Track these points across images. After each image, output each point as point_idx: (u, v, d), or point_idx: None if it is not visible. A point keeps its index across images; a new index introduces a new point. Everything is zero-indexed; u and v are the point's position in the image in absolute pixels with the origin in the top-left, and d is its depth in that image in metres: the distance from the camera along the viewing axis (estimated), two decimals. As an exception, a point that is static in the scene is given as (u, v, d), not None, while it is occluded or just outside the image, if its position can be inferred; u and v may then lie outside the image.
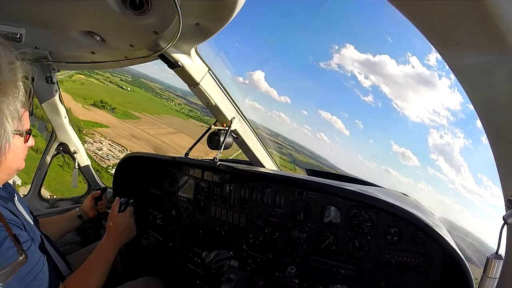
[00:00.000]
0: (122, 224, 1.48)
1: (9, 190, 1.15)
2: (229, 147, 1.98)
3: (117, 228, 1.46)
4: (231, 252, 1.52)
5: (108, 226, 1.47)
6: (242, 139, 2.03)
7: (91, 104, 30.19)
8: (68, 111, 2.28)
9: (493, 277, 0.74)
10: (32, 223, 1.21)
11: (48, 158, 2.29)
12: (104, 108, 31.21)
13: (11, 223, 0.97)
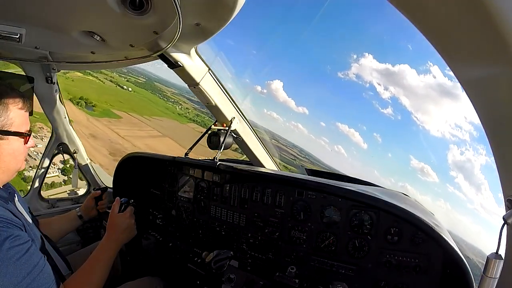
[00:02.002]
0: (122, 224, 1.48)
1: (10, 190, 1.15)
2: (229, 147, 1.98)
3: (118, 228, 1.46)
4: (231, 252, 1.52)
5: (109, 226, 1.47)
6: (242, 139, 2.03)
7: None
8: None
9: (493, 277, 0.75)
10: (32, 223, 1.21)
11: (48, 158, 2.28)
12: (78, 104, 30.17)
13: (11, 223, 0.97)
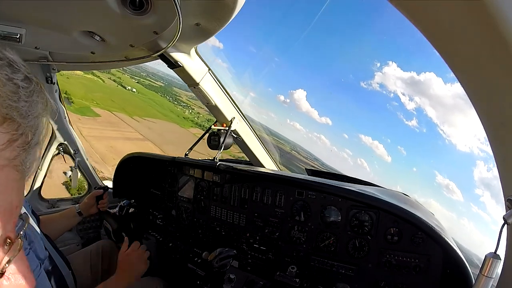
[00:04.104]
0: (133, 261, 1.47)
1: None
2: (229, 147, 1.98)
3: (130, 267, 1.44)
4: (235, 251, 1.52)
5: (120, 264, 1.44)
6: (242, 139, 2.04)
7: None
8: None
9: (489, 276, 0.75)
10: (33, 223, 1.21)
11: (48, 158, 2.28)
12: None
13: None
